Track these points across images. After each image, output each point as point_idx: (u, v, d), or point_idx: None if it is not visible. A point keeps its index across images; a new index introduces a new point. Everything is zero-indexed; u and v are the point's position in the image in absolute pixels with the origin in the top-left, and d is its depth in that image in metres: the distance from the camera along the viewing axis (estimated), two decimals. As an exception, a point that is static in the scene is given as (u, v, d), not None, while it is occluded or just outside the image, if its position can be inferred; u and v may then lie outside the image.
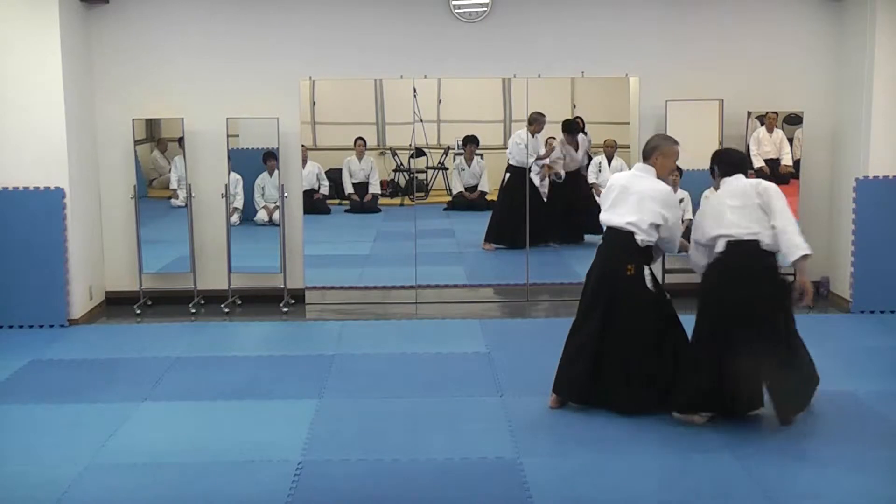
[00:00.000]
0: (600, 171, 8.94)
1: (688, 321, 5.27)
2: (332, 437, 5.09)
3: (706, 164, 5.50)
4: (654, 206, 5.22)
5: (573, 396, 5.41)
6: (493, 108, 8.71)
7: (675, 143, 5.40)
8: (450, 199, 8.96)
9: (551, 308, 8.16)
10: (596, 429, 5.15)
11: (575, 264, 8.78)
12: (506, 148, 8.89)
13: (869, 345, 6.81)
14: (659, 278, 5.52)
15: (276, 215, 8.20)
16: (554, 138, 8.89)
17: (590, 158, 9.10)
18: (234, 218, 8.20)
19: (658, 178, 5.32)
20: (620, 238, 5.25)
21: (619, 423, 5.21)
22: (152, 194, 8.32)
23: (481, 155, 8.91)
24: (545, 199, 8.82)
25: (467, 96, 8.67)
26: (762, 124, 8.21)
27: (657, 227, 5.24)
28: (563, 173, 8.97)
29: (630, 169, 5.66)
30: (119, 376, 6.22)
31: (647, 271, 5.26)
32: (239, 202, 8.26)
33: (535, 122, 8.56)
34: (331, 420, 5.35)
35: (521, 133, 8.63)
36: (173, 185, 8.17)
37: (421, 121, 8.26)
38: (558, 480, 4.50)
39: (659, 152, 5.31)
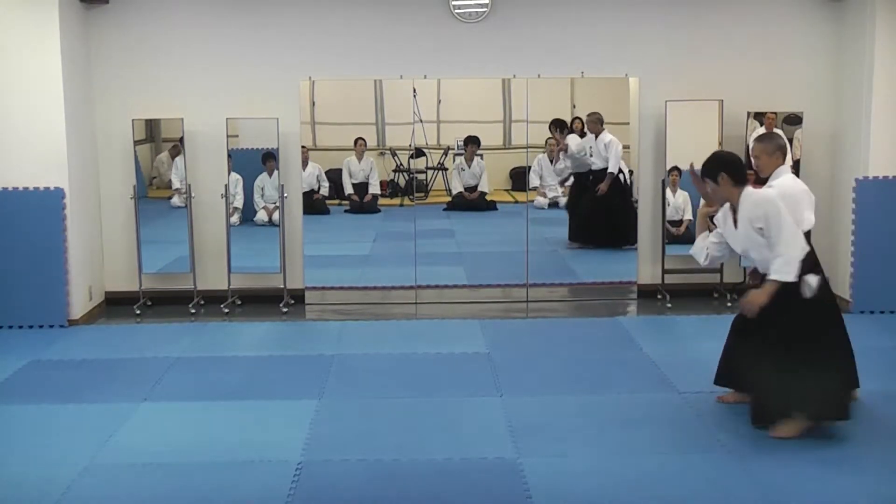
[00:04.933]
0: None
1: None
2: (332, 437, 5.09)
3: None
4: None
5: None
6: (492, 108, 8.69)
7: (763, 139, 5.25)
8: (449, 199, 8.95)
9: (551, 308, 8.16)
10: (596, 429, 5.16)
11: (574, 264, 8.79)
12: (505, 148, 8.86)
13: (869, 345, 6.77)
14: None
15: (275, 216, 8.20)
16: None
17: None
18: (234, 218, 8.20)
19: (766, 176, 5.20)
20: None
21: (617, 424, 5.22)
22: (152, 194, 8.32)
23: (481, 155, 8.90)
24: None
25: (467, 96, 8.66)
26: (762, 124, 8.21)
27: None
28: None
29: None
30: (119, 376, 6.22)
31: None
32: (239, 202, 8.26)
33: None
34: (331, 420, 5.35)
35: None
36: (175, 185, 8.17)
37: (421, 121, 8.27)
38: (558, 480, 4.50)
39: (753, 156, 5.27)
